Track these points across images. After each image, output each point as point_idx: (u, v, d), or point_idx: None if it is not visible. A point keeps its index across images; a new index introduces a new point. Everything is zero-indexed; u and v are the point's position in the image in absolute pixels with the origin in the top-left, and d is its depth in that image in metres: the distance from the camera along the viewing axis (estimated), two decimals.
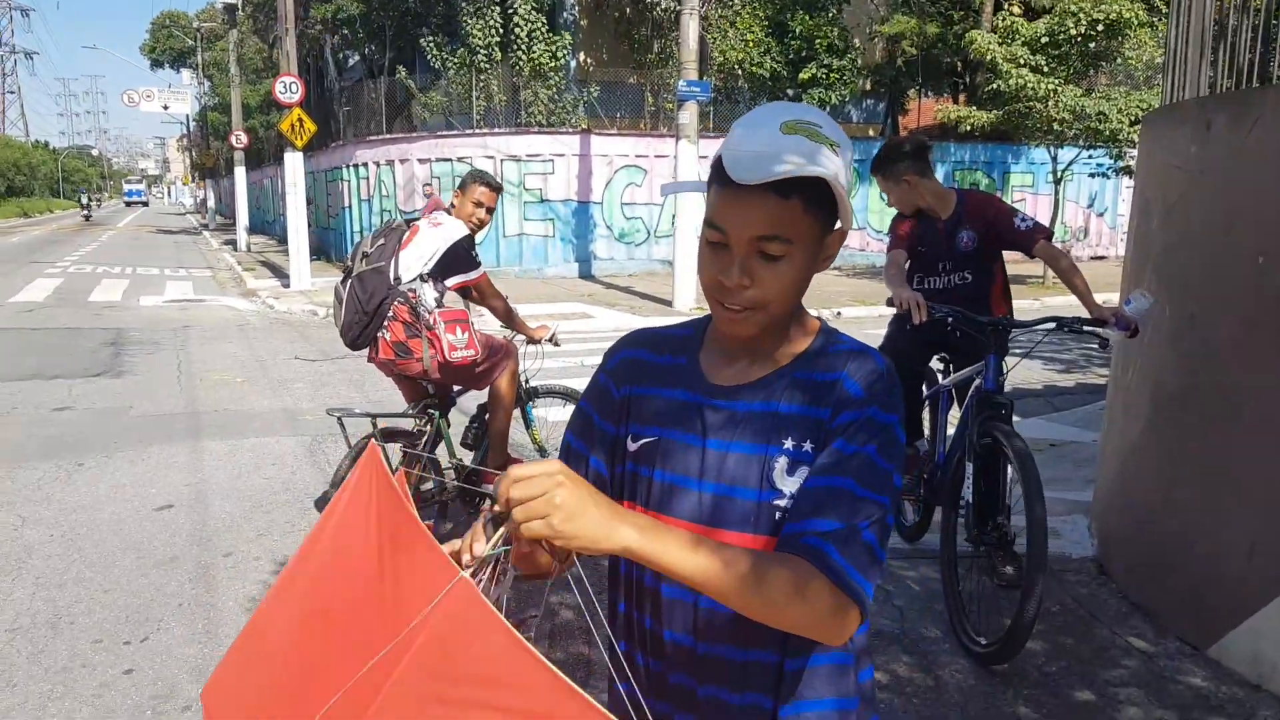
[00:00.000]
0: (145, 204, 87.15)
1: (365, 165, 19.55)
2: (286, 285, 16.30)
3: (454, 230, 4.28)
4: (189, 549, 4.59)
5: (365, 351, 4.29)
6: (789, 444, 1.26)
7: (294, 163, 15.70)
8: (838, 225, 1.26)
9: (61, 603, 3.96)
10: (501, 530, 1.08)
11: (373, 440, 1.39)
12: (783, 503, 1.25)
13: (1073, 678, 3.31)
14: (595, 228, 19.03)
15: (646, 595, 1.35)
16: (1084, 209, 22.92)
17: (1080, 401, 7.99)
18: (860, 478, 1.20)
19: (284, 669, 1.26)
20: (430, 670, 1.06)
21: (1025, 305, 15.04)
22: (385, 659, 1.09)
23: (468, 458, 4.80)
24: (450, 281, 4.29)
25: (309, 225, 16.56)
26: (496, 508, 1.05)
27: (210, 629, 3.76)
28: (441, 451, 4.62)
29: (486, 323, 5.55)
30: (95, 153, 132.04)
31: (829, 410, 1.25)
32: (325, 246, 19.44)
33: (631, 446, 1.37)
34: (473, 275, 4.35)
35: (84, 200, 49.05)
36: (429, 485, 4.51)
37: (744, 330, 1.26)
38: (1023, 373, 9.51)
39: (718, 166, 1.21)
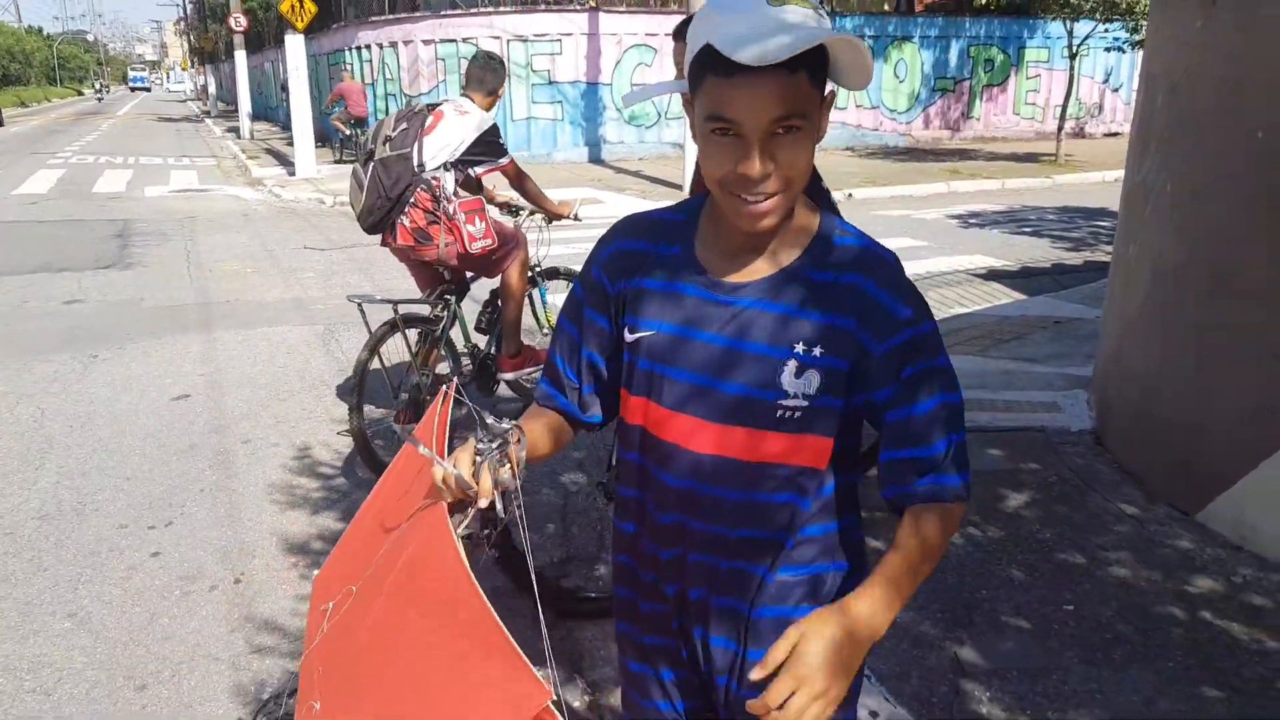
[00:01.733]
0: (148, 90, 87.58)
1: (368, 48, 19.07)
2: (292, 173, 16.15)
3: (481, 119, 4.27)
4: (207, 437, 4.71)
5: (378, 237, 4.31)
6: (800, 348, 1.26)
7: (295, 46, 15.33)
8: (828, 90, 1.23)
9: (85, 491, 4.09)
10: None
11: (449, 386, 1.43)
12: (789, 402, 1.27)
13: (1065, 543, 3.42)
14: (604, 110, 18.66)
15: (651, 483, 1.41)
16: (1099, 84, 22.31)
17: (1087, 279, 7.97)
18: (937, 392, 1.26)
19: (351, 564, 1.41)
20: (408, 583, 1.23)
21: (1035, 183, 14.85)
22: (380, 569, 1.30)
23: (481, 343, 4.89)
24: (479, 169, 4.31)
25: (312, 111, 16.26)
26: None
27: (232, 513, 3.89)
28: (457, 335, 4.71)
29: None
30: (90, 38, 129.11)
31: (854, 320, 1.25)
32: (329, 133, 19.12)
33: (630, 337, 1.37)
34: (503, 162, 4.39)
35: (98, 85, 50.81)
36: (445, 369, 4.59)
37: (770, 221, 1.23)
38: (1031, 251, 9.47)
39: (709, 55, 1.15)
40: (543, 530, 3.69)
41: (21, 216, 12.03)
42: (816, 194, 1.38)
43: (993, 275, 8.43)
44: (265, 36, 32.38)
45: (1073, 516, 3.60)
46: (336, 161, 17.70)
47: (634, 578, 1.50)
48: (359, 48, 19.38)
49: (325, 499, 4.02)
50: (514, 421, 1.32)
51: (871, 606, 1.20)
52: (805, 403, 1.28)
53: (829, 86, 1.24)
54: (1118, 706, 2.58)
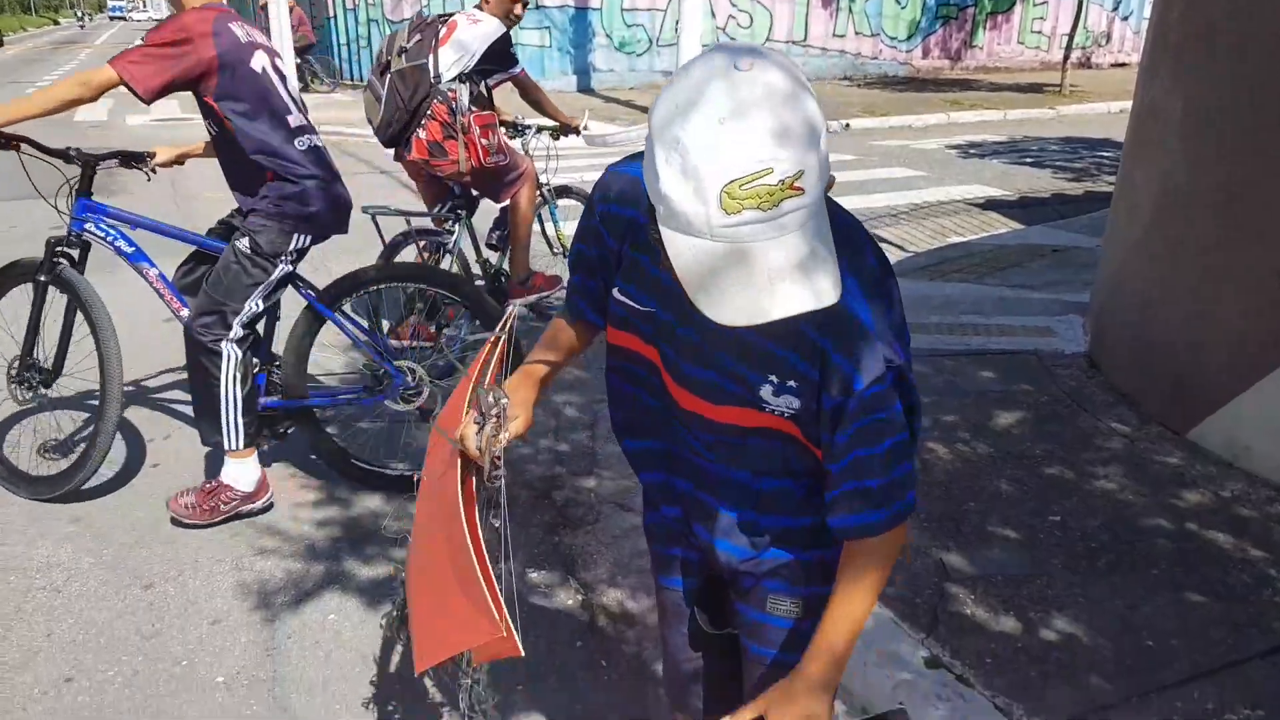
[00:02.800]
0: (124, 19, 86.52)
1: None
2: None
3: (493, 27, 4.25)
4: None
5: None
6: (773, 379, 1.28)
7: None
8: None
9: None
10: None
11: (509, 322, 1.58)
12: (769, 407, 1.30)
13: (1054, 459, 3.47)
14: (594, 37, 18.30)
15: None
16: (1108, 12, 21.95)
17: (1087, 209, 7.94)
18: (884, 439, 1.25)
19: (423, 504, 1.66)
20: (429, 498, 1.57)
21: (1038, 113, 14.70)
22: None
23: (493, 259, 4.96)
24: (492, 80, 4.31)
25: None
26: None
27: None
28: (469, 250, 4.74)
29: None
30: None
31: (817, 374, 1.24)
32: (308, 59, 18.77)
33: (620, 296, 1.39)
34: (515, 71, 4.39)
35: (78, 14, 50.01)
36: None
37: None
38: (1031, 181, 9.41)
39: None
40: (536, 445, 3.74)
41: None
42: None
43: (991, 205, 8.39)
44: None
45: (1063, 434, 3.65)
46: (302, 90, 17.42)
47: (650, 443, 1.54)
48: None
49: (319, 416, 4.04)
50: (502, 396, 1.44)
51: (843, 636, 1.33)
52: (788, 410, 1.30)
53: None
54: (1101, 610, 2.65)
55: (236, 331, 3.09)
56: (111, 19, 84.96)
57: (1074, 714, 2.29)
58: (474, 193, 4.64)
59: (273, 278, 3.11)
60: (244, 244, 3.06)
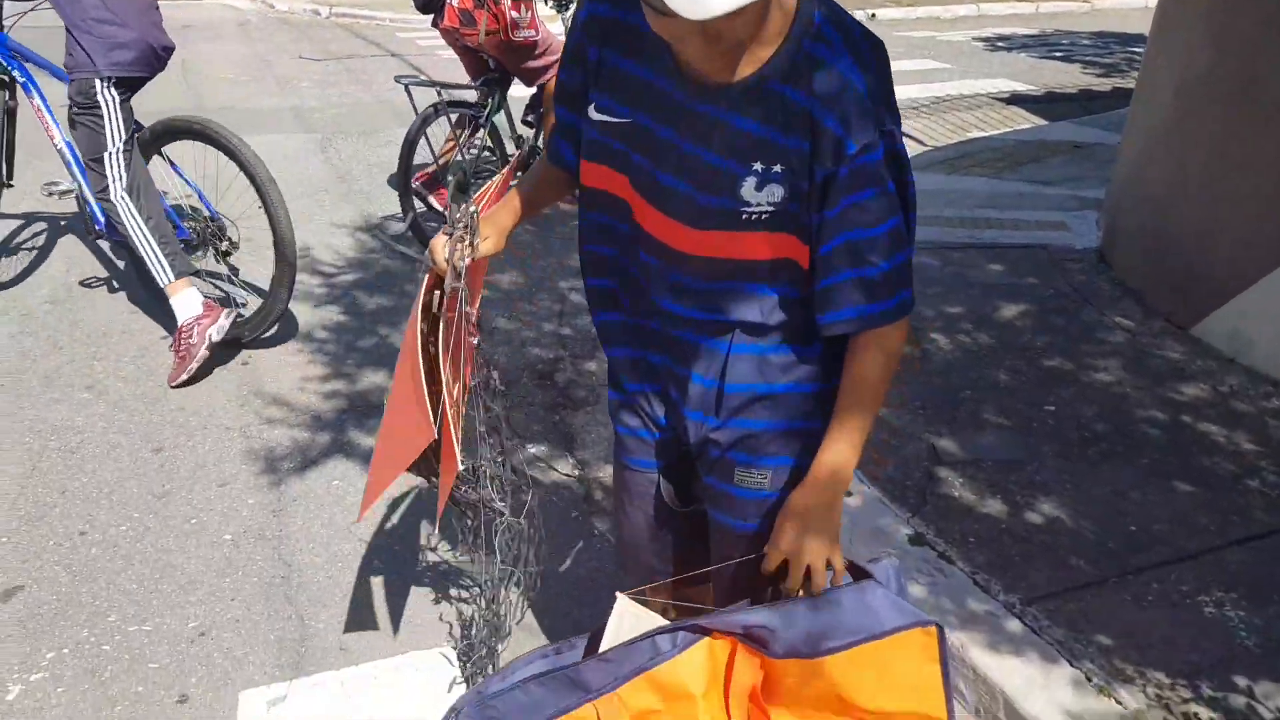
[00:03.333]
0: None
1: None
2: None
3: None
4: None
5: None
6: (758, 166, 1.26)
7: None
8: None
9: (93, 281, 4.15)
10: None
11: (516, 159, 1.61)
12: (750, 210, 1.28)
13: (1054, 351, 3.48)
14: None
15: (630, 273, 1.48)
16: None
17: (1113, 106, 7.75)
18: (881, 218, 1.26)
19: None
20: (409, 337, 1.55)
21: (1073, 6, 14.20)
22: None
23: (529, 136, 4.96)
24: None
25: None
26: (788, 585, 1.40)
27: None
28: (504, 125, 4.76)
29: None
30: None
31: (808, 145, 1.23)
32: None
33: (597, 117, 1.36)
34: None
35: None
36: (486, 154, 4.63)
37: (726, 73, 1.23)
38: (1059, 76, 9.16)
39: None
40: (540, 329, 3.78)
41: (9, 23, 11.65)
42: None
43: (1015, 100, 8.18)
44: None
45: (1066, 328, 3.65)
46: None
47: (620, 316, 1.55)
48: None
49: (326, 294, 4.09)
50: (472, 209, 1.45)
51: (835, 457, 1.37)
52: (770, 208, 1.29)
53: None
54: (1087, 496, 2.70)
55: (117, 179, 3.27)
56: None
57: (1051, 591, 2.36)
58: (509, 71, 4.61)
59: (105, 118, 3.24)
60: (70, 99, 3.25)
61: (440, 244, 1.46)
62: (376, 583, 2.46)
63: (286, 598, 2.39)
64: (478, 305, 1.59)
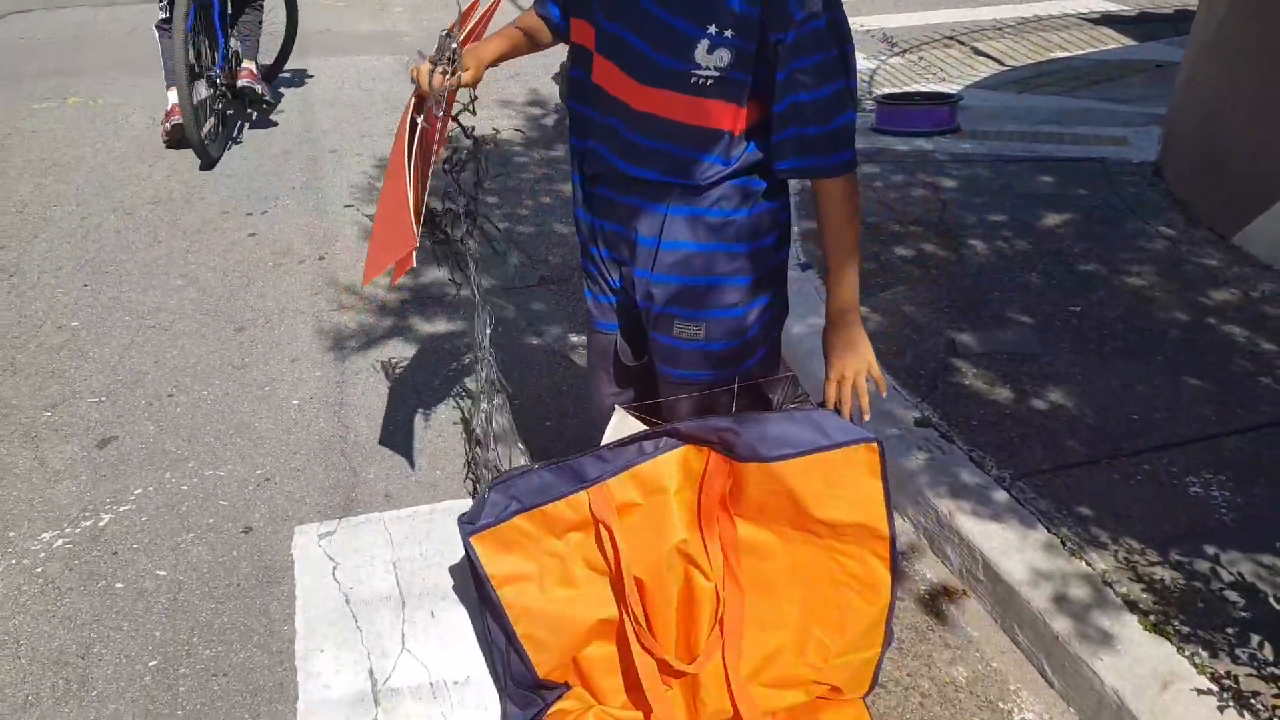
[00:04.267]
0: None
1: None
2: None
3: None
4: (299, 146, 5.06)
5: None
6: (712, 29, 1.43)
7: None
8: None
9: (192, 183, 4.52)
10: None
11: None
12: (700, 73, 1.46)
13: (1090, 257, 3.53)
14: None
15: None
16: None
17: None
18: (823, 82, 1.44)
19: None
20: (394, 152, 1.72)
21: None
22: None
23: None
24: None
25: None
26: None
27: (319, 206, 4.28)
28: None
29: None
30: None
31: (759, 9, 1.40)
32: None
33: None
34: None
35: None
36: None
37: None
38: None
39: None
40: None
41: None
42: None
43: (1105, 20, 7.92)
44: None
45: (1107, 236, 3.69)
46: None
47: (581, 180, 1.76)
48: None
49: None
50: (454, 43, 1.66)
51: (838, 297, 1.64)
52: (716, 74, 1.46)
53: None
54: (1095, 387, 2.79)
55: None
56: None
57: (1042, 469, 2.49)
58: None
59: None
60: None
61: (425, 71, 1.67)
62: (420, 443, 2.74)
63: (342, 453, 2.69)
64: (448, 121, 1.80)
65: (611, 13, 1.51)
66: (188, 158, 4.81)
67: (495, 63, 1.75)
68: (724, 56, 1.44)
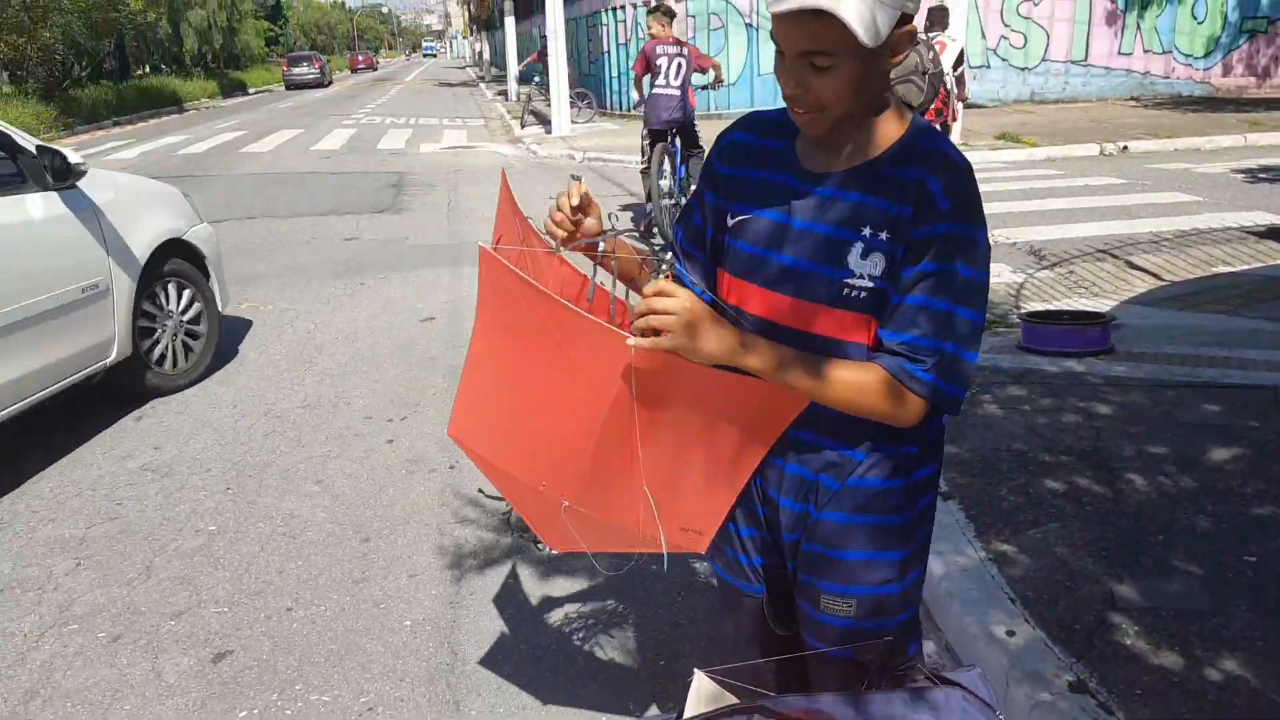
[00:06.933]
0: (434, 56, 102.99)
1: (622, 8, 19.69)
2: (549, 132, 17.07)
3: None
4: (445, 352, 5.29)
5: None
6: (866, 232, 1.40)
7: (554, 9, 16.12)
8: (908, 25, 1.33)
9: (341, 389, 4.75)
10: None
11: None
12: (854, 281, 1.41)
13: (1266, 499, 3.19)
14: None
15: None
16: None
17: None
18: (948, 296, 1.37)
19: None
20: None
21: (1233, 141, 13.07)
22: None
23: None
24: None
25: (571, 73, 17.07)
26: (637, 309, 1.36)
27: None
28: None
29: None
30: (384, 10, 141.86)
31: (910, 209, 1.37)
32: (585, 91, 19.98)
33: (730, 222, 1.56)
34: None
35: (407, 51, 58.05)
36: None
37: (813, 130, 1.40)
38: None
39: None
40: None
41: (317, 168, 13.63)
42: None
43: (1272, 233, 7.61)
44: (535, 2, 34.07)
45: None
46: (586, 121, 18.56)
47: None
48: (614, 8, 20.02)
49: None
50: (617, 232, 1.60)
51: (759, 349, 1.37)
52: (870, 284, 1.40)
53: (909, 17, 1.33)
54: (1278, 656, 2.45)
55: None
56: (425, 55, 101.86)
57: None
58: None
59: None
60: None
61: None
62: (530, 679, 2.62)
63: (448, 684, 2.60)
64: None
65: (763, 243, 1.50)
66: (338, 360, 5.07)
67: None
68: (878, 262, 1.40)
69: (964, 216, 1.36)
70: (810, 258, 1.44)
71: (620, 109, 20.15)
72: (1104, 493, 3.31)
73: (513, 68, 27.34)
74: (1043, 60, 18.92)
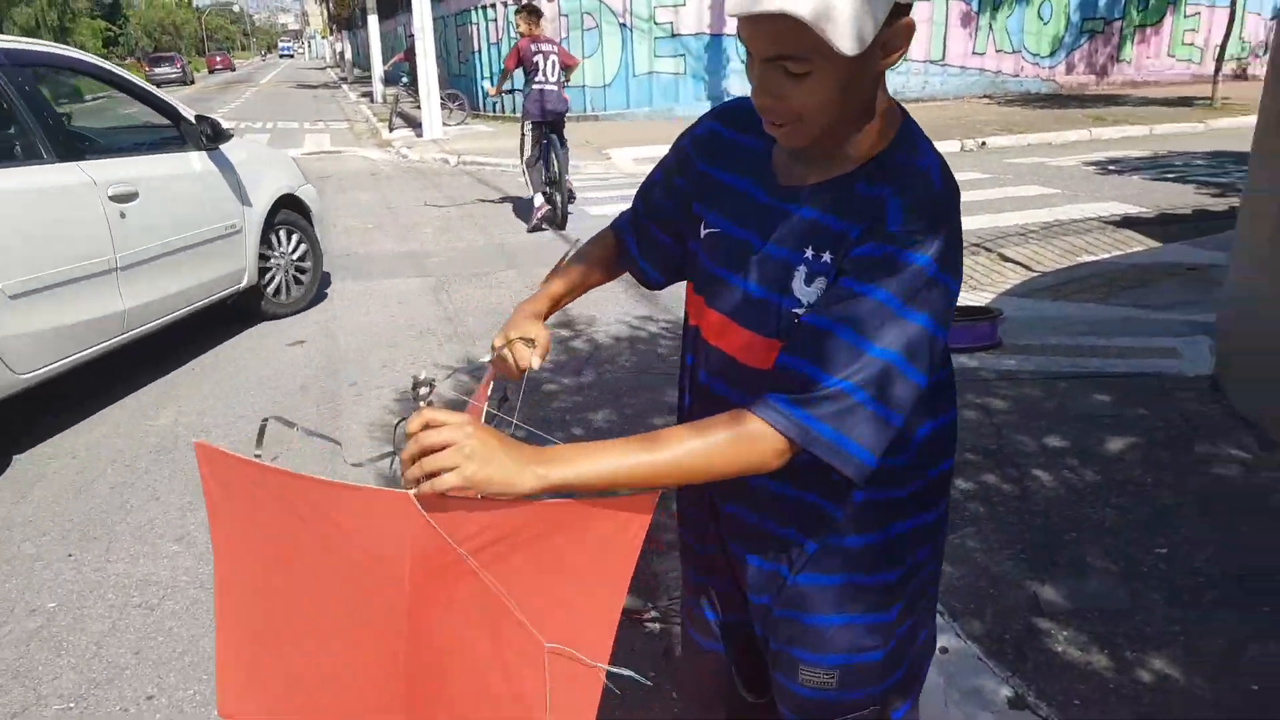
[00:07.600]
0: (291, 57, 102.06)
1: (493, 6, 19.34)
2: (420, 135, 16.57)
3: None
4: (318, 379, 4.92)
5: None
6: (809, 253, 1.19)
7: (421, 7, 15.66)
8: (904, 19, 1.08)
9: (199, 428, 4.34)
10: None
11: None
12: (800, 310, 1.20)
13: (1163, 487, 3.22)
14: (728, 63, 18.43)
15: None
16: (1268, 20, 20.61)
17: (1229, 225, 7.41)
18: (871, 328, 1.09)
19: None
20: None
21: (1186, 128, 13.90)
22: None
23: None
24: None
25: (439, 73, 16.65)
26: (404, 453, 1.07)
27: (335, 449, 4.05)
28: None
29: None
30: (236, 9, 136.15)
31: (861, 228, 1.15)
32: (456, 93, 19.56)
33: (703, 233, 1.35)
34: None
35: (263, 52, 56.29)
36: None
37: (790, 142, 1.17)
38: (1172, 197, 8.87)
39: None
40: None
41: None
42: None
43: (1127, 222, 7.94)
44: (399, 1, 33.27)
45: (1177, 462, 3.39)
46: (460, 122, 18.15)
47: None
48: (484, 6, 19.66)
49: None
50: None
51: (543, 458, 1.06)
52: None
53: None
54: (1202, 653, 2.43)
55: None
56: (280, 57, 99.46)
57: None
58: None
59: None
60: None
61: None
62: None
63: None
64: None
65: (725, 262, 1.31)
66: (194, 397, 4.67)
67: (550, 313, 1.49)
68: (821, 286, 1.18)
69: (911, 241, 1.10)
70: (763, 283, 1.24)
71: (494, 111, 19.78)
72: (1013, 491, 3.27)
73: (377, 68, 26.53)
74: (904, 60, 19.53)
